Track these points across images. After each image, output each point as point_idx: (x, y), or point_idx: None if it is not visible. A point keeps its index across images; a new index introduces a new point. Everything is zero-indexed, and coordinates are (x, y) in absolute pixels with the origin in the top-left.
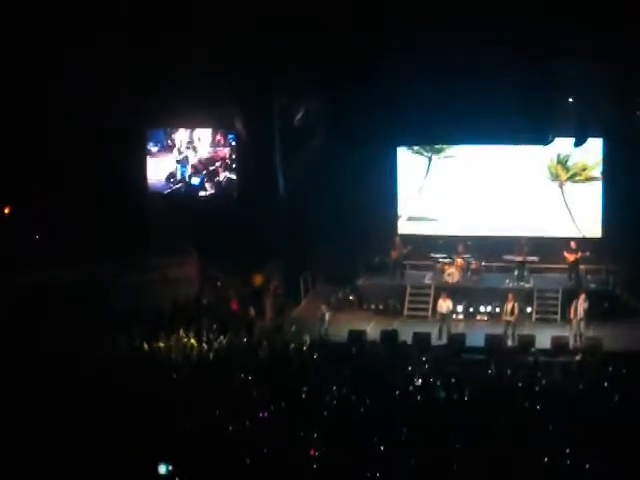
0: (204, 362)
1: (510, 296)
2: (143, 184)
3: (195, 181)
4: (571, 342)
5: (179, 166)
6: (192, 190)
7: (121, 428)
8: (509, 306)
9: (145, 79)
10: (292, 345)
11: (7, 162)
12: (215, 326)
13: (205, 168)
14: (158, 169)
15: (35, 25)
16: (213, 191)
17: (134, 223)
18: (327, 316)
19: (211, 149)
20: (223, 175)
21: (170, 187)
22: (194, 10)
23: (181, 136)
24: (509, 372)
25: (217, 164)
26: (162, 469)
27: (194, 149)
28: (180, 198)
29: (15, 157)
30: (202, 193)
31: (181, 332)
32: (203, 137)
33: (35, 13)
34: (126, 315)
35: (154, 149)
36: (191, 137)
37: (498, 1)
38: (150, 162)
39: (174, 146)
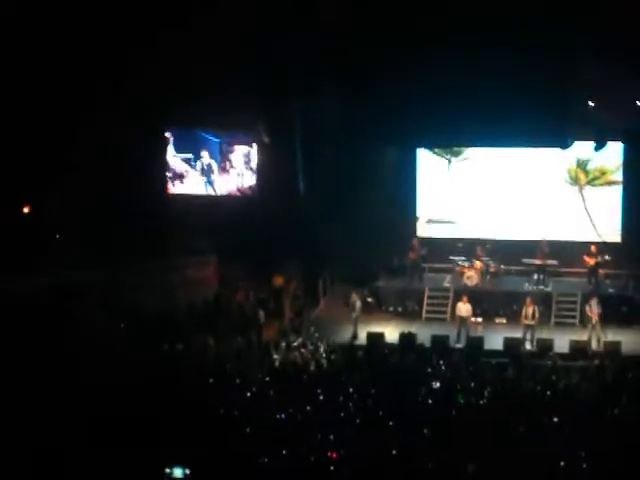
0: (221, 363)
1: (529, 300)
2: (163, 185)
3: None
4: (590, 346)
5: (205, 179)
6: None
7: (138, 431)
8: (529, 310)
9: (165, 80)
10: (310, 347)
11: (27, 161)
12: (232, 327)
13: None
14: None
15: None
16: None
17: (154, 224)
18: (357, 304)
19: None
20: None
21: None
22: (216, 13)
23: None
24: (527, 376)
25: None
26: (178, 473)
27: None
28: (199, 199)
29: (35, 157)
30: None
31: (199, 333)
32: None
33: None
34: (147, 317)
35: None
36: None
37: (516, 2)
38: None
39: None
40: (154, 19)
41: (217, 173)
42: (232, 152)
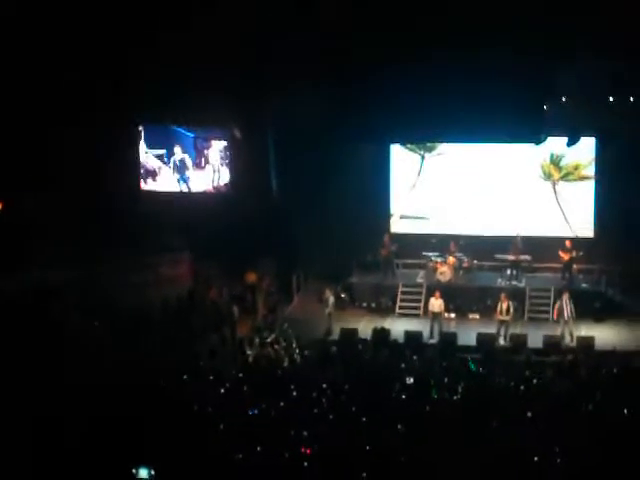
0: (195, 360)
1: (503, 296)
2: (136, 182)
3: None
4: (564, 341)
5: (178, 176)
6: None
7: (107, 430)
8: (504, 305)
9: (139, 76)
10: (284, 343)
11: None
12: (205, 324)
13: None
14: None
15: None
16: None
17: (127, 222)
18: (331, 300)
19: None
20: None
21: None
22: (193, 10)
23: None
24: (501, 371)
25: None
26: (143, 473)
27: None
28: (172, 196)
29: (8, 153)
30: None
31: (173, 330)
32: None
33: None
34: (121, 315)
35: (189, 163)
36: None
37: (493, 2)
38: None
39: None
40: (132, 13)
41: (192, 169)
42: (208, 148)
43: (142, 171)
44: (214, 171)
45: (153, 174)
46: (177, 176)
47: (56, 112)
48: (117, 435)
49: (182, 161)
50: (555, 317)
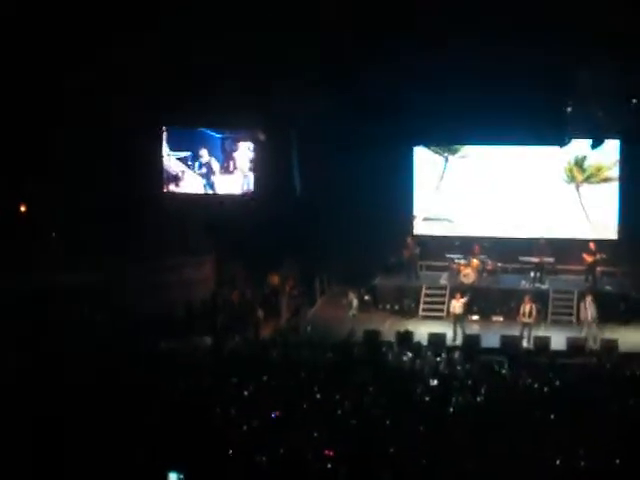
0: (218, 362)
1: (527, 298)
2: (159, 183)
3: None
4: (587, 343)
5: (204, 181)
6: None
7: (131, 432)
8: (527, 308)
9: (162, 76)
10: (307, 345)
11: (18, 160)
12: (229, 326)
13: None
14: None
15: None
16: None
17: (151, 223)
18: (355, 303)
19: None
20: None
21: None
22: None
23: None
24: (524, 374)
25: None
26: (173, 478)
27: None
28: (196, 198)
29: (27, 155)
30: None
31: (196, 332)
32: None
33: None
34: (144, 316)
35: (216, 167)
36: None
37: (514, 1)
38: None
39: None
40: (154, 14)
41: (219, 174)
42: (236, 150)
43: (164, 175)
44: (244, 176)
45: (176, 179)
46: (202, 181)
47: (74, 113)
48: (143, 440)
49: (208, 165)
50: (578, 319)
